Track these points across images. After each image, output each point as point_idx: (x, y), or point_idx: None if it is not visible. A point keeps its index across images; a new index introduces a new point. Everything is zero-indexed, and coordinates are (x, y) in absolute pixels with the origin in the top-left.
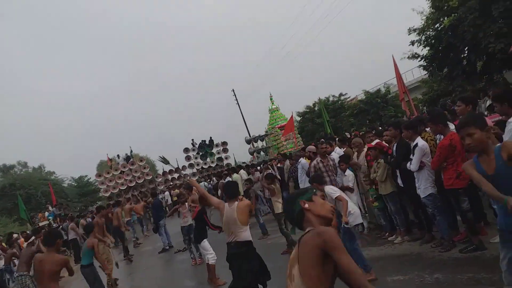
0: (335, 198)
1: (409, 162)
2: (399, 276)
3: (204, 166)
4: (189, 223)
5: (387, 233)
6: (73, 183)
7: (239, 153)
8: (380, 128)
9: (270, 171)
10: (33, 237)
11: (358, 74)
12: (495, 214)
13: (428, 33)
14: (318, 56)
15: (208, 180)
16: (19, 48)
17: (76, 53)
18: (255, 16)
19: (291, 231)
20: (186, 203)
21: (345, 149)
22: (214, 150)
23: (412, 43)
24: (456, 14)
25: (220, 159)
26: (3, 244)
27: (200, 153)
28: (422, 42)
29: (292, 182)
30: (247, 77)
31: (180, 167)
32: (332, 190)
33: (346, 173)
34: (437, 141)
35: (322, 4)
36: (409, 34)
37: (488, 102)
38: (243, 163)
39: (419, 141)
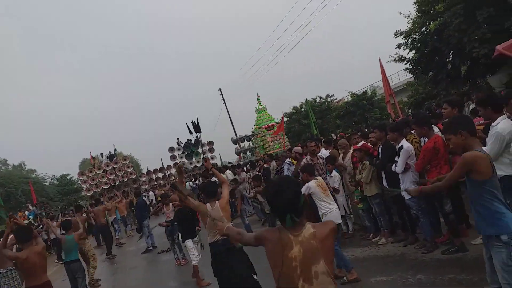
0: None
1: (394, 164)
2: (383, 277)
3: (189, 166)
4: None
5: (372, 234)
6: (54, 182)
7: (225, 152)
8: (366, 130)
9: (257, 171)
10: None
11: (345, 75)
12: None
13: (414, 36)
14: (307, 57)
15: (193, 180)
16: None
17: (62, 48)
18: (243, 12)
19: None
20: (171, 203)
21: (330, 150)
22: (200, 150)
23: (399, 46)
24: (441, 19)
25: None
26: None
27: (186, 153)
28: (408, 45)
29: None
30: (234, 77)
31: (165, 167)
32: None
33: (332, 174)
34: (422, 144)
35: (311, 4)
36: (395, 37)
37: (472, 106)
38: (229, 163)
39: (404, 143)
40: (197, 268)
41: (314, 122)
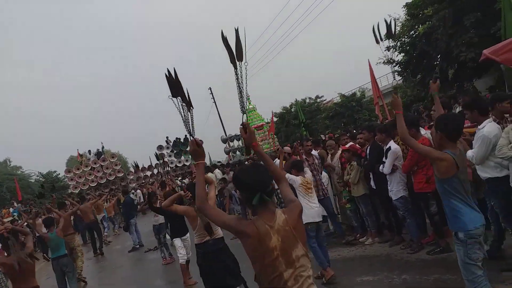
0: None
1: (381, 165)
2: (369, 277)
3: (178, 165)
4: (160, 222)
5: (358, 235)
6: (40, 179)
7: (215, 152)
8: (355, 131)
9: None
10: None
11: (334, 77)
12: None
13: (403, 39)
14: (296, 58)
15: (181, 178)
16: None
17: (50, 42)
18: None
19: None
20: (158, 202)
21: (319, 151)
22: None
23: (388, 48)
24: (430, 22)
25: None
26: None
27: (174, 151)
28: (397, 48)
29: None
30: (224, 76)
31: (153, 165)
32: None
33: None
34: None
35: (301, 6)
36: (385, 40)
37: (458, 109)
38: (219, 162)
39: (392, 144)
40: (184, 267)
41: (303, 122)
